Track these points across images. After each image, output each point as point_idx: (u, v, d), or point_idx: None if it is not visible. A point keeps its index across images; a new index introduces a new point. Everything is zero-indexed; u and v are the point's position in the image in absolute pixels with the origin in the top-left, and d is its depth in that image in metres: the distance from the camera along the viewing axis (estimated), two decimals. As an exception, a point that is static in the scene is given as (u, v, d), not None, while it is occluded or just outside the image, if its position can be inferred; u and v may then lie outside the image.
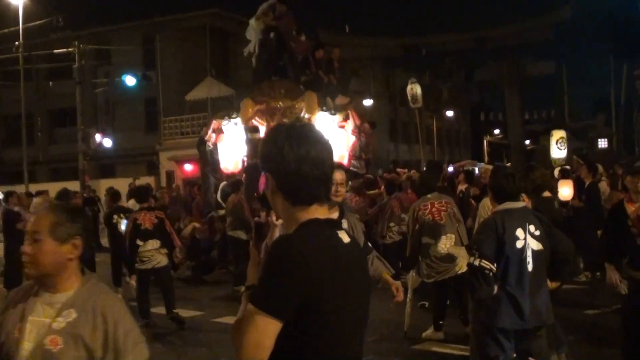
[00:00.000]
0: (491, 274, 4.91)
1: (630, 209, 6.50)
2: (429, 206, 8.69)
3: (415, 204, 9.09)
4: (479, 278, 4.93)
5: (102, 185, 29.20)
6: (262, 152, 2.35)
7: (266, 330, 2.13)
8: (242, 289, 2.48)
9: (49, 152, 44.57)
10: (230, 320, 10.74)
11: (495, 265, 4.93)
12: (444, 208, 8.65)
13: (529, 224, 5.05)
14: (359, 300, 2.34)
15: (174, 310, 10.45)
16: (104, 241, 16.17)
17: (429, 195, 8.85)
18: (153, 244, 10.21)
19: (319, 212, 2.33)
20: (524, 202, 5.35)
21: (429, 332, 8.80)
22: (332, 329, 2.20)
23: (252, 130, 16.40)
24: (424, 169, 14.31)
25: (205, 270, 15.52)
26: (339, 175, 5.15)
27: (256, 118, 16.80)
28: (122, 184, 21.46)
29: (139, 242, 10.16)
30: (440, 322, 8.74)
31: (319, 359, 2.20)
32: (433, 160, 17.70)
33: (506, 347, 5.05)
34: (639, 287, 6.40)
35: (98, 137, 36.35)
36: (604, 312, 9.83)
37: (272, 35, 17.19)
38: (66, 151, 38.97)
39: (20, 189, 23.75)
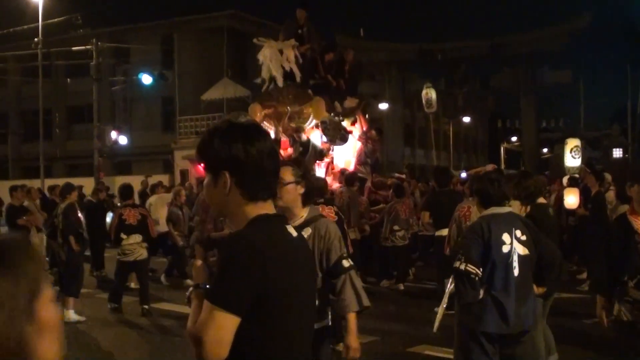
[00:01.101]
0: (477, 278, 4.96)
1: (637, 222, 5.85)
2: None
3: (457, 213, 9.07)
4: (465, 282, 4.99)
5: (117, 182, 29.35)
6: (216, 151, 2.35)
7: (226, 326, 2.18)
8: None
9: (66, 148, 44.87)
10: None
11: (481, 269, 4.97)
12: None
13: (515, 229, 5.08)
14: (308, 292, 2.44)
15: (145, 307, 11.12)
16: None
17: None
18: (135, 238, 11.15)
19: (267, 207, 2.40)
20: (509, 207, 5.39)
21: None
22: (287, 320, 2.29)
23: None
24: (433, 175, 14.26)
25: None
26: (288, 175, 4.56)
27: (264, 122, 16.77)
28: (137, 182, 21.64)
29: (123, 236, 11.13)
30: None
31: (275, 350, 2.28)
32: (440, 167, 17.62)
33: (490, 352, 5.05)
34: None
35: (114, 134, 36.54)
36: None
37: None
38: (83, 148, 39.27)
39: (36, 183, 24.02)
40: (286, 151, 16.80)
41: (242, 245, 2.24)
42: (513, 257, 5.01)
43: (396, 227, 13.24)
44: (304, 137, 15.73)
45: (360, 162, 16.66)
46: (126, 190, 12.03)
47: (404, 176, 18.06)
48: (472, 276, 4.95)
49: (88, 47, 32.21)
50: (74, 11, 32.65)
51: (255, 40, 17.82)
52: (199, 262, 2.55)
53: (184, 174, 37.55)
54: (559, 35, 39.17)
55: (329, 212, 8.81)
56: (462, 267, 4.99)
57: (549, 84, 42.85)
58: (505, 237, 5.04)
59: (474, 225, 5.35)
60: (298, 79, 16.84)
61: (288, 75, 17.04)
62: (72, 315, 10.51)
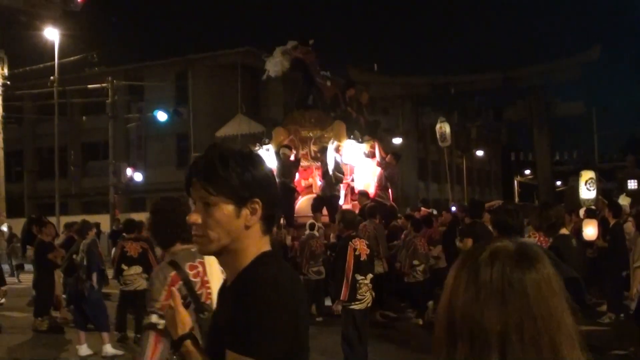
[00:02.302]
0: None
1: None
2: None
3: None
4: None
5: (132, 219, 29.47)
6: (244, 177, 2.11)
7: None
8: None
9: (82, 185, 45.06)
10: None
11: None
12: None
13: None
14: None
15: (138, 335, 11.15)
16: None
17: None
18: (136, 269, 11.66)
19: (267, 242, 2.22)
20: (531, 239, 5.38)
21: None
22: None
23: (284, 146, 16.80)
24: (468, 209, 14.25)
25: None
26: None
27: (287, 146, 17.26)
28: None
29: (124, 267, 11.66)
30: None
31: None
32: (475, 200, 17.66)
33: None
34: None
35: (129, 171, 36.73)
36: (627, 355, 9.73)
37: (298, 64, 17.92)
38: (98, 184, 39.43)
39: (52, 221, 24.06)
40: (307, 180, 17.22)
41: (274, 288, 2.00)
42: None
43: (416, 262, 13.16)
44: (328, 156, 16.31)
45: (381, 187, 16.93)
46: (130, 225, 12.66)
47: (430, 210, 18.27)
48: None
49: (104, 85, 32.53)
50: (90, 49, 32.98)
51: (263, 57, 18.81)
52: (179, 308, 2.33)
53: (199, 209, 37.64)
54: (570, 67, 39.21)
55: (362, 244, 8.85)
56: None
57: (561, 115, 42.80)
58: None
59: None
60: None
61: (308, 106, 17.75)
62: (109, 349, 10.82)
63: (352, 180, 17.26)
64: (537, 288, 1.43)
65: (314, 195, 16.61)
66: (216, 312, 2.28)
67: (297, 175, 16.99)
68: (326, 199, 15.84)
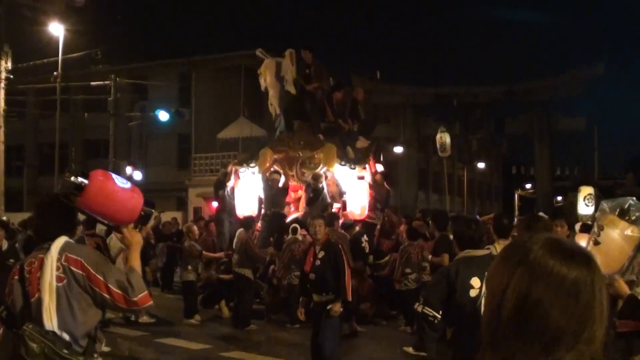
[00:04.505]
0: (435, 320, 4.95)
1: None
2: None
3: None
4: (424, 324, 5.00)
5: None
6: None
7: None
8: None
9: (81, 182, 44.96)
10: (237, 355, 10.86)
11: (440, 312, 4.95)
12: None
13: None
14: None
15: None
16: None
17: None
18: None
19: None
20: (487, 250, 5.35)
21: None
22: None
23: (274, 172, 16.50)
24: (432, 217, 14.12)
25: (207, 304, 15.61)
26: None
27: (275, 167, 16.83)
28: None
29: None
30: None
31: None
32: (439, 210, 17.26)
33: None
34: None
35: (129, 169, 36.70)
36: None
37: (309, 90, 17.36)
38: (97, 182, 39.33)
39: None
40: (296, 192, 16.88)
41: None
42: (481, 301, 4.86)
43: (408, 270, 13.10)
44: (320, 185, 15.77)
45: (371, 207, 16.40)
46: (89, 222, 12.52)
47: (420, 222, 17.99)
48: (430, 318, 4.95)
49: (107, 82, 32.54)
50: (94, 46, 32.95)
51: (257, 52, 18.21)
52: None
53: (198, 211, 37.61)
54: (574, 82, 39.29)
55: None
56: (419, 309, 5.00)
57: (563, 131, 42.83)
58: (475, 281, 4.97)
59: (443, 268, 5.38)
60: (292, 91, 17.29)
61: (303, 115, 17.28)
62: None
63: (343, 207, 16.47)
64: (600, 289, 1.46)
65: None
66: None
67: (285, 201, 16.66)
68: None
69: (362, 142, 17.65)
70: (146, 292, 3.91)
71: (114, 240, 13.46)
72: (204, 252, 15.01)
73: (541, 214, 8.95)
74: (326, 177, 16.19)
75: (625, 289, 4.79)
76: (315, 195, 15.73)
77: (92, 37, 37.41)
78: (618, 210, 4.93)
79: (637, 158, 42.46)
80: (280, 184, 16.46)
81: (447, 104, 42.53)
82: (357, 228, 15.05)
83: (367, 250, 14.53)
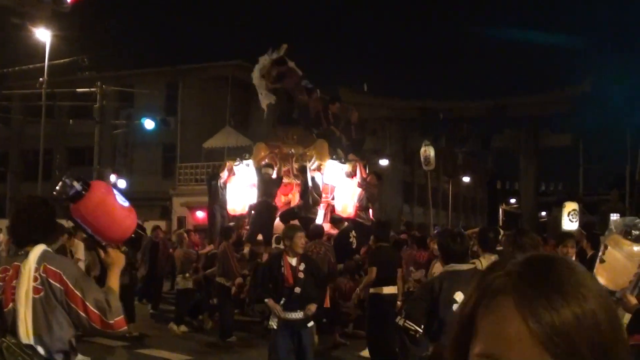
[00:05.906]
0: (417, 335, 4.90)
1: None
2: None
3: None
4: (406, 338, 4.96)
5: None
6: None
7: None
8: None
9: (65, 190, 44.69)
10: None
11: (422, 326, 4.90)
12: None
13: (475, 287, 4.98)
14: None
15: None
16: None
17: None
18: None
19: None
20: (472, 265, 5.32)
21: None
22: None
23: (266, 165, 16.62)
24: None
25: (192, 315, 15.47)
26: None
27: (267, 160, 17.10)
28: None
29: None
30: None
31: None
32: (381, 220, 17.19)
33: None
34: None
35: (113, 177, 36.49)
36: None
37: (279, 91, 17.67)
38: (81, 190, 39.09)
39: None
40: (287, 196, 17.02)
41: None
42: None
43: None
44: (307, 176, 15.88)
45: (361, 207, 16.65)
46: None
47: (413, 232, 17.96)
48: (412, 332, 4.90)
49: (92, 89, 32.35)
50: (81, 53, 32.78)
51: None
52: None
53: (182, 220, 37.48)
54: (561, 99, 39.40)
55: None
56: (401, 322, 4.95)
57: (549, 146, 42.93)
58: (458, 295, 4.91)
59: (426, 282, 5.35)
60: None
61: (292, 122, 17.65)
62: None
63: (333, 199, 17.01)
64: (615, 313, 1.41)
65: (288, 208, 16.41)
66: None
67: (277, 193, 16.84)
68: (301, 220, 14.80)
69: (352, 158, 17.90)
70: (122, 316, 3.77)
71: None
72: (200, 252, 15.08)
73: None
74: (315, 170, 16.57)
75: (633, 303, 4.81)
76: (304, 189, 15.90)
77: (79, 44, 37.25)
78: (622, 229, 5.05)
79: (622, 174, 42.62)
80: (274, 176, 16.66)
81: (433, 117, 42.60)
82: (346, 224, 15.31)
83: (354, 246, 14.48)
